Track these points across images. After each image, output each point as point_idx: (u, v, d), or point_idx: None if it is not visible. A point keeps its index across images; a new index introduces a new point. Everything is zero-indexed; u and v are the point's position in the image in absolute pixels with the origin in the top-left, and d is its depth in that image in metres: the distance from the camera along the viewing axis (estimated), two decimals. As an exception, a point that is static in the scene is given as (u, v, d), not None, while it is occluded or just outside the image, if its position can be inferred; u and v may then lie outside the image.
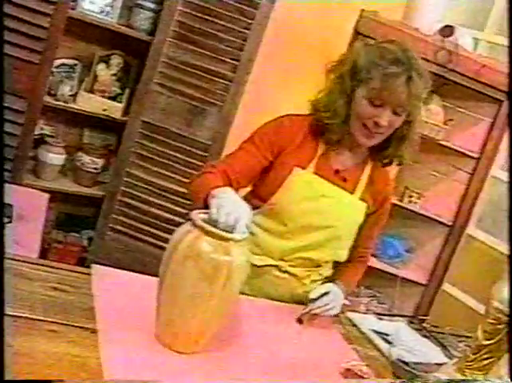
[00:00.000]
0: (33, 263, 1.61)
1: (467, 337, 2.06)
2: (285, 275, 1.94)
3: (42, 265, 1.62)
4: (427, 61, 3.29)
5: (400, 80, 1.72)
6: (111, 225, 3.40)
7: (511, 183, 2.22)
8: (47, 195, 3.01)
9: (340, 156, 1.93)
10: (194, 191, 1.74)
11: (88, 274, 1.64)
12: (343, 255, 1.99)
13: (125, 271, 1.72)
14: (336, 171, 1.92)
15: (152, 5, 3.29)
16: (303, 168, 1.87)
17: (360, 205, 1.94)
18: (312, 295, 1.84)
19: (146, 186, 3.35)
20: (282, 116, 1.93)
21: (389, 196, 2.07)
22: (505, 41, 3.60)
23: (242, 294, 1.73)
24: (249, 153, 1.87)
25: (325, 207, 1.89)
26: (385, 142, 1.88)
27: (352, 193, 1.92)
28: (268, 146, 1.87)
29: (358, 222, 1.96)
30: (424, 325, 2.21)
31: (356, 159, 1.95)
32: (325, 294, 1.85)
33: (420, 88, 1.78)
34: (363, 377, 1.60)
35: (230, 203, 1.49)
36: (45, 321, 1.35)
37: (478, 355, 1.68)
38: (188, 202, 3.30)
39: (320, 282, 1.99)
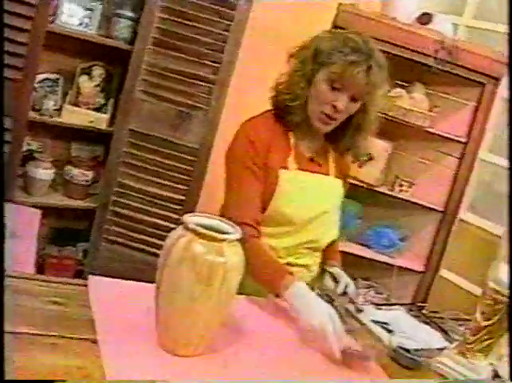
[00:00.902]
0: (29, 279, 1.61)
1: (467, 320, 2.07)
2: (297, 268, 1.97)
3: (39, 280, 1.62)
4: (411, 50, 3.33)
5: (361, 67, 1.79)
6: (105, 236, 3.40)
7: (511, 171, 2.22)
8: (39, 211, 3.01)
9: (308, 144, 1.99)
10: (262, 273, 1.78)
11: (85, 285, 1.64)
12: (336, 233, 2.12)
13: (122, 280, 1.72)
14: (311, 160, 2.00)
15: (131, 14, 3.30)
16: (286, 168, 1.92)
17: (338, 182, 2.07)
18: (339, 290, 1.93)
19: (137, 194, 3.36)
20: (243, 129, 1.95)
21: (349, 171, 2.25)
22: (483, 25, 3.63)
23: (258, 295, 1.82)
24: (253, 187, 1.88)
25: (315, 196, 1.98)
26: (341, 131, 1.96)
27: (328, 175, 2.03)
28: (258, 168, 1.89)
29: (341, 198, 2.11)
30: (423, 311, 2.22)
31: (320, 144, 2.02)
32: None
33: (379, 79, 1.84)
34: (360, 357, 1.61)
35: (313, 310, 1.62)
36: (45, 335, 1.35)
37: (477, 337, 1.70)
38: (180, 207, 3.31)
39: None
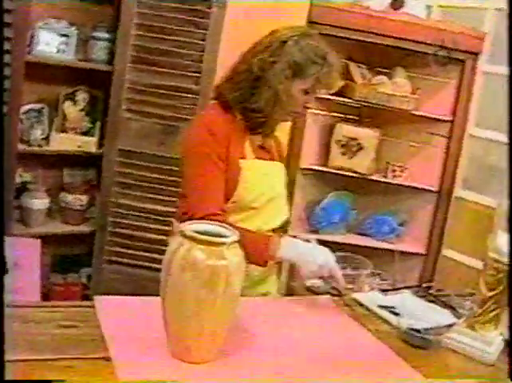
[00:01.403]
0: (36, 306, 1.63)
1: (472, 294, 2.07)
2: None
3: (46, 306, 1.64)
4: (387, 36, 3.35)
5: (334, 74, 1.99)
6: (106, 258, 3.41)
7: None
8: (38, 241, 3.02)
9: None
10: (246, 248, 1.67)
11: (92, 306, 1.65)
12: (288, 210, 2.26)
13: (127, 297, 1.74)
14: (261, 147, 2.10)
15: (107, 35, 3.32)
16: (244, 158, 2.00)
17: (282, 166, 2.21)
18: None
19: (133, 212, 3.37)
20: (203, 123, 2.01)
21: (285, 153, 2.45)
22: (456, 3, 3.66)
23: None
24: (217, 179, 1.94)
25: (271, 181, 2.11)
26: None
27: (274, 160, 2.16)
28: (221, 160, 1.94)
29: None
30: (429, 291, 2.23)
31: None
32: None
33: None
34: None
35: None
36: (59, 359, 1.36)
37: (484, 308, 1.72)
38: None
39: None
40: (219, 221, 1.67)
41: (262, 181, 2.05)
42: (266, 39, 1.99)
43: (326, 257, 1.87)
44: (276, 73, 1.93)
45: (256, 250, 1.83)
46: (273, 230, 2.07)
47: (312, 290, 2.07)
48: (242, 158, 1.99)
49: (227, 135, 1.96)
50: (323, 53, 1.95)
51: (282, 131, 2.45)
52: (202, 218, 1.75)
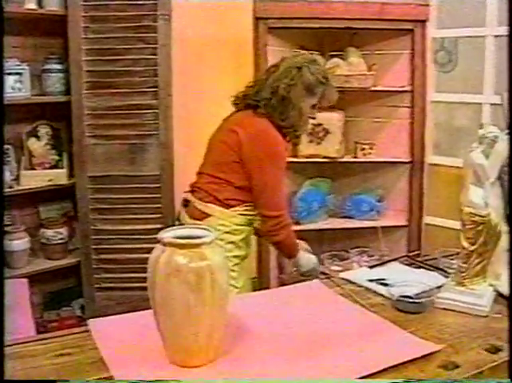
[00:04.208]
0: (32, 341, 1.62)
1: (458, 253, 2.11)
2: None
3: (41, 339, 1.63)
4: (332, 19, 3.39)
5: (333, 89, 2.49)
6: (96, 286, 3.41)
7: None
8: (25, 280, 3.00)
9: None
10: (293, 245, 2.51)
11: (87, 331, 1.65)
12: None
13: (119, 315, 1.74)
14: None
15: (59, 66, 3.31)
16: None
17: None
18: None
19: (115, 236, 3.37)
20: (272, 134, 2.37)
21: None
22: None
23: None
24: (284, 185, 2.48)
25: None
26: None
27: None
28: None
29: None
30: (417, 259, 2.26)
31: None
32: None
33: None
34: None
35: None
36: (62, 385, 1.37)
37: (469, 263, 1.74)
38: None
39: None
40: (288, 223, 2.42)
41: None
42: (282, 66, 2.42)
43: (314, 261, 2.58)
44: (297, 93, 2.37)
45: (296, 246, 2.51)
46: None
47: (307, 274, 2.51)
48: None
49: (288, 147, 2.48)
50: (326, 75, 2.45)
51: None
52: (281, 222, 2.37)
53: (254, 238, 2.67)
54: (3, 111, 2.69)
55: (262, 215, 2.38)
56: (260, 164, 2.33)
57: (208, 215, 2.37)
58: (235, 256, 2.40)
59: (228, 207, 2.37)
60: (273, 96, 2.36)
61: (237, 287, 2.40)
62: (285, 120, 2.38)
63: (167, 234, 1.44)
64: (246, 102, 2.44)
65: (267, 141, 2.36)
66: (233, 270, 2.34)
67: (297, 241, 2.53)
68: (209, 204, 2.38)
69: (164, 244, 1.41)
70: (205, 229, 1.48)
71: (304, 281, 2.11)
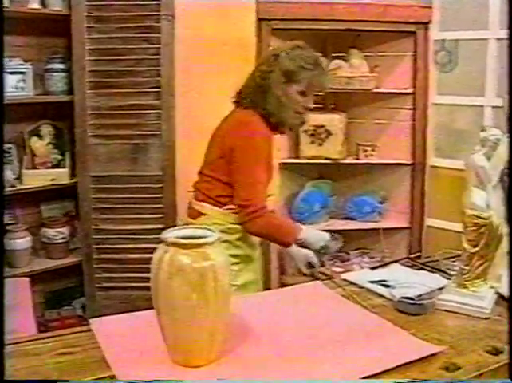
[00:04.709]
0: (34, 339, 1.63)
1: (459, 255, 2.11)
2: None
3: (43, 338, 1.64)
4: (335, 21, 3.39)
5: (323, 76, 2.37)
6: (97, 285, 3.41)
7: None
8: (27, 279, 3.00)
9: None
10: (279, 233, 2.38)
11: (89, 330, 1.66)
12: None
13: (121, 314, 1.74)
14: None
15: (62, 66, 3.31)
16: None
17: None
18: None
19: (116, 236, 3.37)
20: (257, 126, 2.31)
21: None
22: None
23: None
24: (263, 177, 2.33)
25: None
26: None
27: None
28: (267, 162, 2.35)
29: None
30: (418, 261, 2.26)
31: None
32: None
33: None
34: None
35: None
36: (65, 384, 1.37)
37: (471, 265, 1.74)
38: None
39: None
40: (261, 213, 2.28)
41: None
42: (265, 55, 2.42)
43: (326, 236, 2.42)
44: (274, 80, 2.30)
45: (286, 233, 2.36)
46: None
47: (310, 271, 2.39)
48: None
49: (270, 138, 2.35)
50: (313, 60, 2.33)
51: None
52: (255, 211, 2.26)
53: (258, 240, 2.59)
54: (3, 110, 2.70)
55: (237, 206, 2.32)
56: (234, 155, 2.30)
57: (202, 214, 2.37)
58: (233, 255, 2.36)
59: (220, 204, 2.35)
60: (253, 87, 2.35)
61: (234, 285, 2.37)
62: (266, 109, 2.32)
63: (170, 234, 1.45)
64: (238, 98, 2.44)
65: (245, 132, 2.32)
66: (231, 269, 2.31)
67: (298, 226, 2.44)
68: (202, 203, 2.38)
69: (167, 244, 1.41)
70: (208, 229, 1.49)
71: (305, 281, 2.10)
